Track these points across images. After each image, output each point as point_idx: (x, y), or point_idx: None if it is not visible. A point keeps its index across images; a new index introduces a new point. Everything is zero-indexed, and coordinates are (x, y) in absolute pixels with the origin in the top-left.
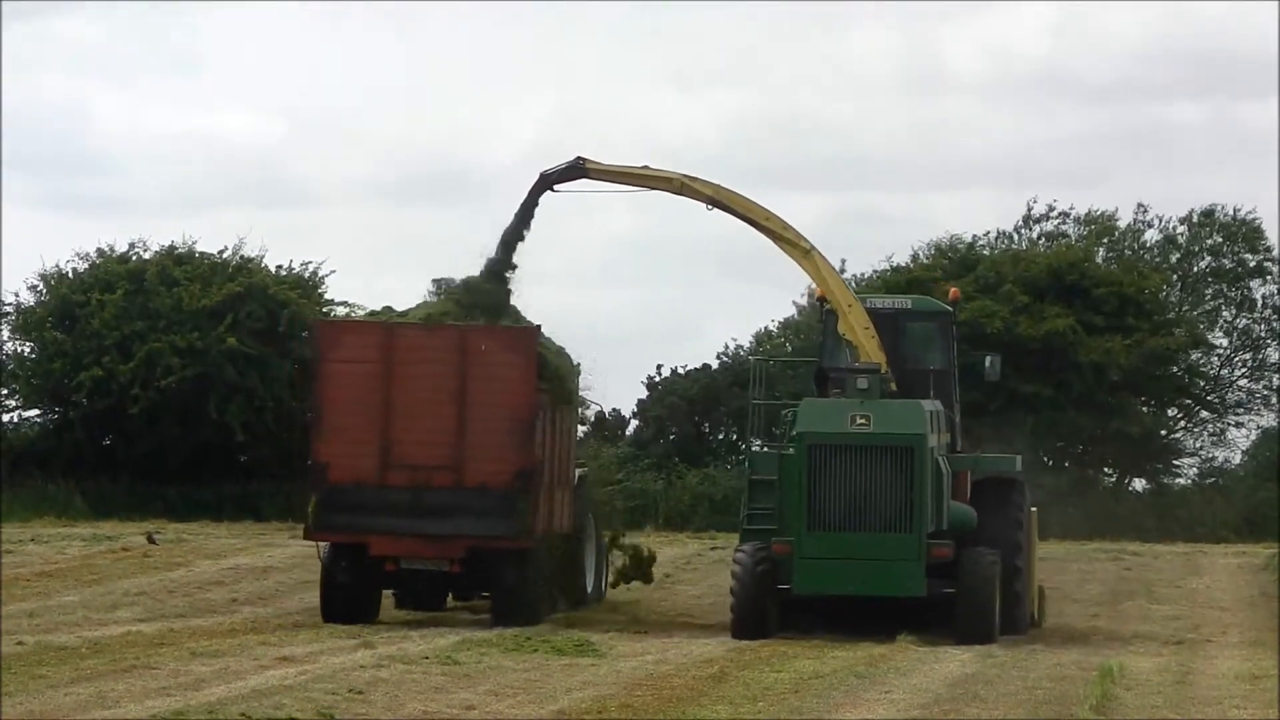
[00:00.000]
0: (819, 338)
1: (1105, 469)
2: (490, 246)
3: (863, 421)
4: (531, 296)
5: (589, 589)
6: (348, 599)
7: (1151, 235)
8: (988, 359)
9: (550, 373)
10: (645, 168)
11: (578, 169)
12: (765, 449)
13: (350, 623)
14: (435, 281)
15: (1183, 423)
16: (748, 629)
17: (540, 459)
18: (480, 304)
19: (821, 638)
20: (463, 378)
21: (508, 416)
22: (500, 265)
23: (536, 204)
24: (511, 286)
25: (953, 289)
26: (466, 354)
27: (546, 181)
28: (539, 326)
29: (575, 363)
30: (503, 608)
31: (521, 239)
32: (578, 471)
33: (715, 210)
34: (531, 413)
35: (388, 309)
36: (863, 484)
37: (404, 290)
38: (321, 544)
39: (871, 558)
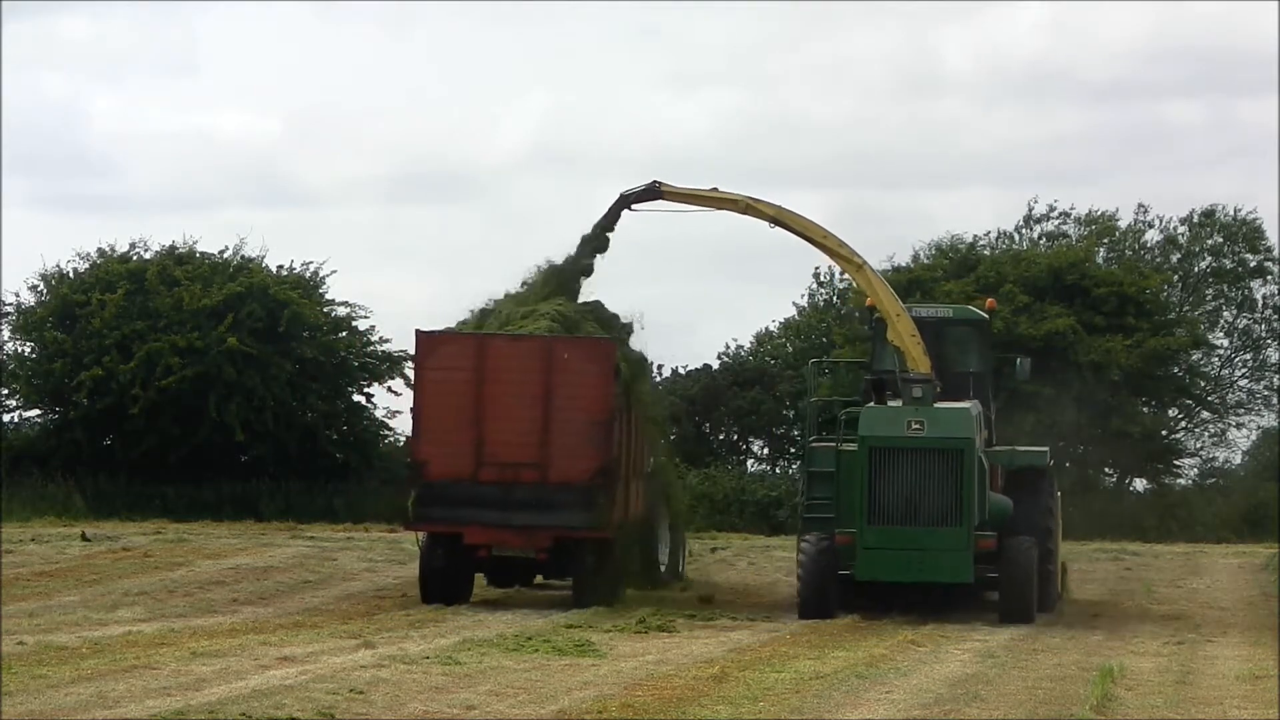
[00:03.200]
0: (869, 344)
1: (1105, 469)
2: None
3: (917, 426)
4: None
5: (664, 571)
6: (443, 583)
7: (1152, 235)
8: (1018, 360)
9: (625, 377)
10: (714, 189)
11: (654, 191)
12: (818, 443)
13: (446, 604)
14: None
15: (1183, 423)
16: (812, 610)
17: (617, 456)
18: (562, 287)
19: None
20: (547, 384)
21: (587, 419)
22: (581, 267)
23: (615, 221)
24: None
25: (990, 300)
26: (551, 362)
27: (625, 201)
28: (615, 337)
29: (650, 362)
30: (584, 590)
31: (599, 252)
32: (651, 462)
33: (776, 229)
34: (609, 415)
35: (484, 310)
36: (917, 482)
37: (403, 290)
38: (420, 534)
39: (925, 548)
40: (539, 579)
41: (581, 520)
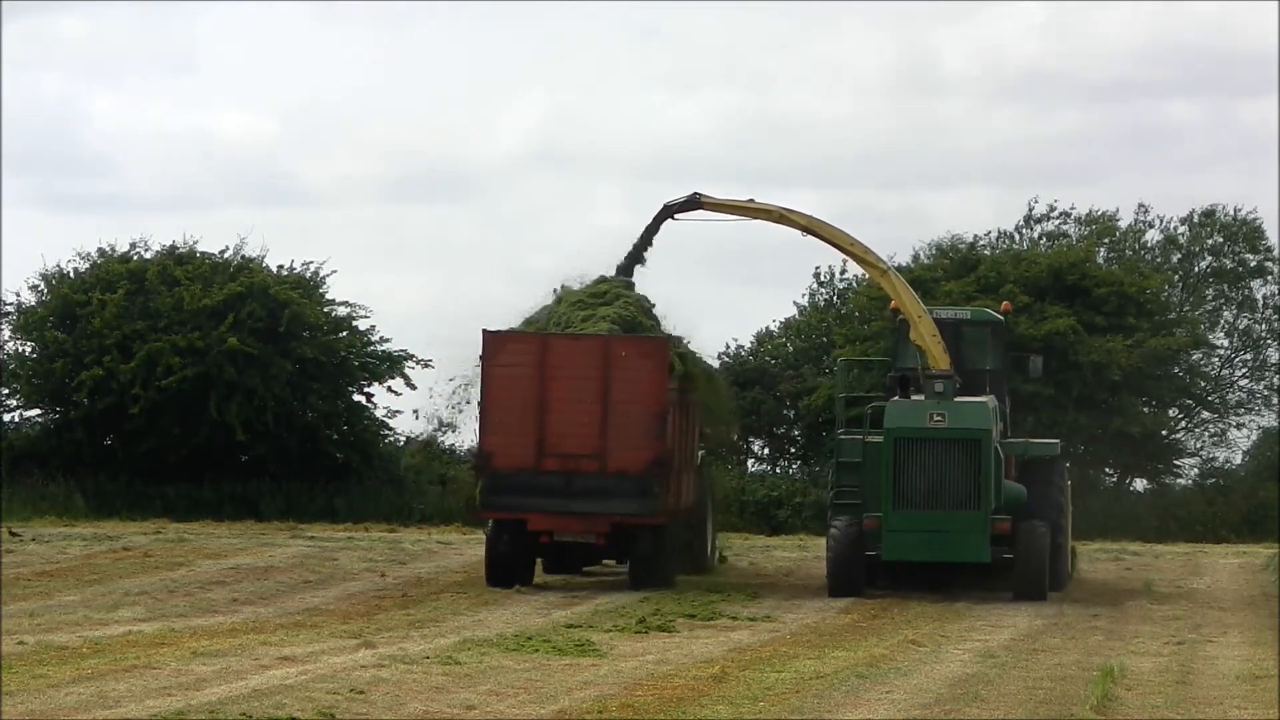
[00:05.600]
0: (892, 343)
1: (1106, 469)
2: (617, 259)
3: (939, 419)
4: (531, 295)
5: (708, 557)
6: (508, 566)
7: (1152, 235)
8: (1030, 358)
9: (679, 373)
10: (750, 201)
11: (694, 201)
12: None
13: (509, 586)
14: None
15: (1183, 423)
16: (842, 588)
17: (671, 448)
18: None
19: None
20: (606, 380)
21: (643, 413)
22: (625, 273)
23: (658, 229)
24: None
25: (1005, 302)
26: (609, 359)
27: (668, 211)
28: (669, 336)
29: (702, 363)
30: (640, 574)
31: (643, 259)
32: (699, 454)
33: (809, 237)
34: (663, 409)
35: (529, 319)
36: (939, 470)
37: (404, 290)
38: (486, 520)
39: (946, 531)
40: (585, 568)
41: (638, 507)
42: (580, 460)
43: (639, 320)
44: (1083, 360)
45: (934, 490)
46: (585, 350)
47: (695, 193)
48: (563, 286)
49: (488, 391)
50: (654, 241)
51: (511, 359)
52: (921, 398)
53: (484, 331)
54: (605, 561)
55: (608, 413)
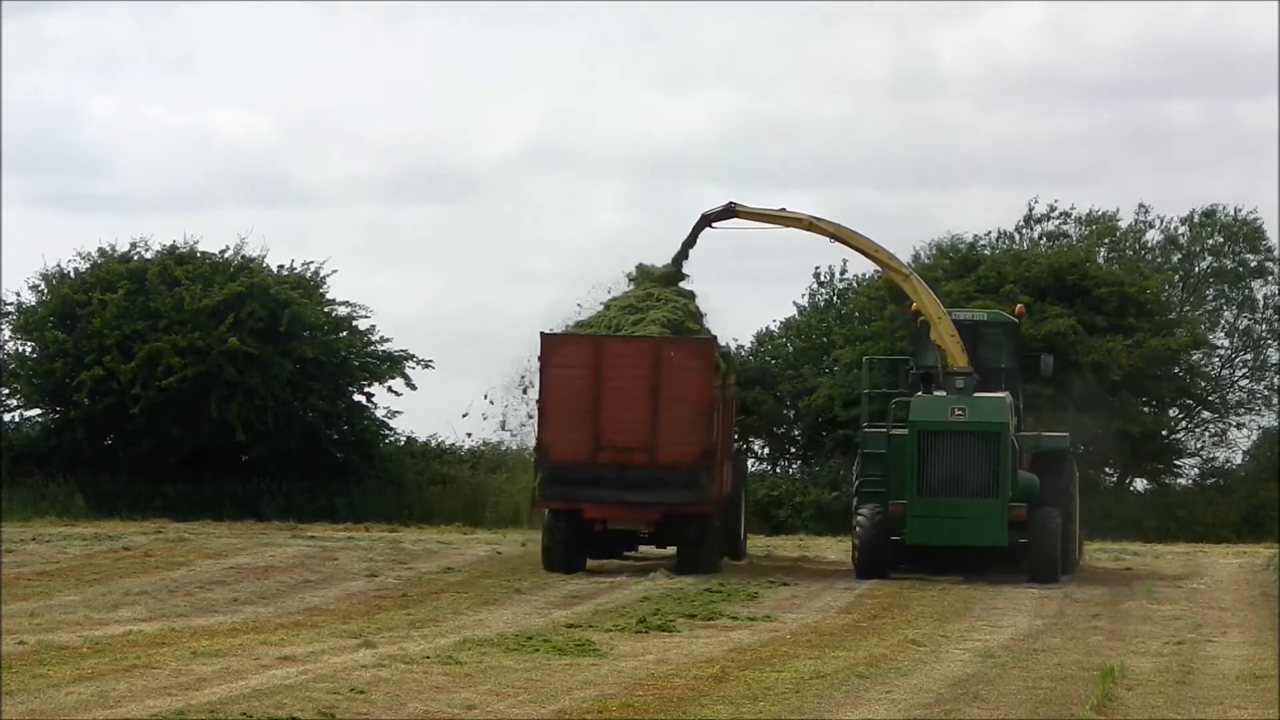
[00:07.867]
0: (911, 343)
1: (1106, 469)
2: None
3: (960, 413)
4: (530, 295)
5: (741, 544)
6: (563, 553)
7: (1153, 235)
8: (1042, 358)
9: (721, 372)
10: (783, 210)
11: (730, 211)
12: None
13: (567, 572)
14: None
15: (1184, 423)
16: (869, 570)
17: (716, 441)
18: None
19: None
20: (656, 378)
21: (691, 409)
22: (672, 279)
23: (697, 239)
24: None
25: (1019, 305)
26: (659, 359)
27: (706, 220)
28: (715, 337)
29: (735, 360)
30: (687, 560)
31: (685, 260)
32: (735, 445)
33: (836, 243)
34: (710, 405)
35: (579, 322)
36: (959, 461)
37: (403, 290)
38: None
39: (966, 517)
40: (626, 553)
41: (687, 498)
42: (633, 453)
43: (685, 323)
44: (1083, 360)
45: (955, 479)
46: (636, 351)
47: (731, 202)
48: (610, 292)
49: (545, 390)
50: (693, 250)
51: (567, 360)
52: (943, 393)
53: (541, 334)
54: (643, 548)
55: (658, 409)
